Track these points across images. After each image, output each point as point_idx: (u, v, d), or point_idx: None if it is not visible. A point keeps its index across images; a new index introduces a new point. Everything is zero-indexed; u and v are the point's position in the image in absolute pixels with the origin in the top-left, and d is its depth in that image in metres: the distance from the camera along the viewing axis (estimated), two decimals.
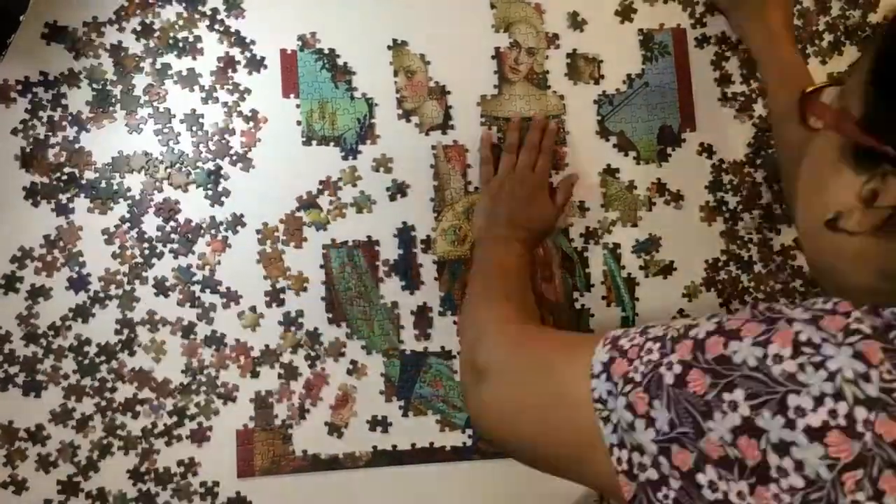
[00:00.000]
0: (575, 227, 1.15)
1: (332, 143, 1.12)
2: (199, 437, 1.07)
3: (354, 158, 1.12)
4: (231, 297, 1.08)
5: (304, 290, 1.09)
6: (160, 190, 1.08)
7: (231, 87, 1.10)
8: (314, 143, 1.12)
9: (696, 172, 1.17)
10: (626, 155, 1.16)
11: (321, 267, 1.11)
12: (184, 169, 1.09)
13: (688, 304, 1.15)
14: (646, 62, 1.17)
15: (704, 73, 1.18)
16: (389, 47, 1.14)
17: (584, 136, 1.16)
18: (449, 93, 1.15)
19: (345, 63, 1.13)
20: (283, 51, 1.12)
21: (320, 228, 1.11)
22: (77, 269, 1.06)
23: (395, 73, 1.14)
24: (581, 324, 1.14)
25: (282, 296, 1.09)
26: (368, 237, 1.11)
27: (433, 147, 1.14)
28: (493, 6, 1.16)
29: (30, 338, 1.05)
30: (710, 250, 1.17)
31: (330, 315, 1.10)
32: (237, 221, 1.09)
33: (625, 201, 1.16)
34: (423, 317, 1.12)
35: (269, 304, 1.09)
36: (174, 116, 1.09)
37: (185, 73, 1.10)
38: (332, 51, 1.13)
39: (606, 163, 1.16)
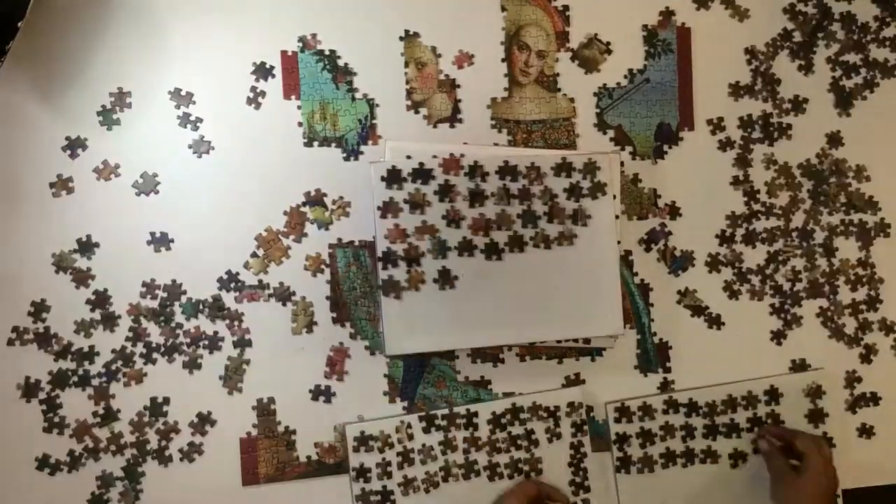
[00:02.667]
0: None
1: (333, 144, 1.11)
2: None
3: (356, 159, 1.11)
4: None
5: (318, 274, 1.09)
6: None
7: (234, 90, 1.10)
8: (315, 144, 1.11)
9: (692, 171, 1.17)
10: (623, 149, 1.16)
11: (326, 266, 1.09)
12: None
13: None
14: (648, 58, 1.17)
15: (707, 73, 1.18)
16: (401, 38, 1.13)
17: (585, 129, 1.16)
18: (458, 86, 1.14)
19: (346, 64, 1.12)
20: (283, 52, 1.10)
21: (322, 227, 1.10)
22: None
23: (406, 64, 1.13)
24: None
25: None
26: (374, 237, 1.10)
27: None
28: (503, 9, 1.15)
29: None
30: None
31: (334, 315, 1.09)
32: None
33: (630, 194, 1.15)
34: None
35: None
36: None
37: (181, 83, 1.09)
38: (332, 52, 1.11)
39: None
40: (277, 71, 1.10)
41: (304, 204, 1.09)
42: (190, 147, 1.08)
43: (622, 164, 1.15)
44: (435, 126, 1.13)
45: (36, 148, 1.06)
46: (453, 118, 1.13)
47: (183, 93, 1.08)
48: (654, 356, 1.14)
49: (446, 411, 1.09)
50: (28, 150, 1.06)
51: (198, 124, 1.09)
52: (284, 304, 1.08)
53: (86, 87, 1.07)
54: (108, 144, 1.07)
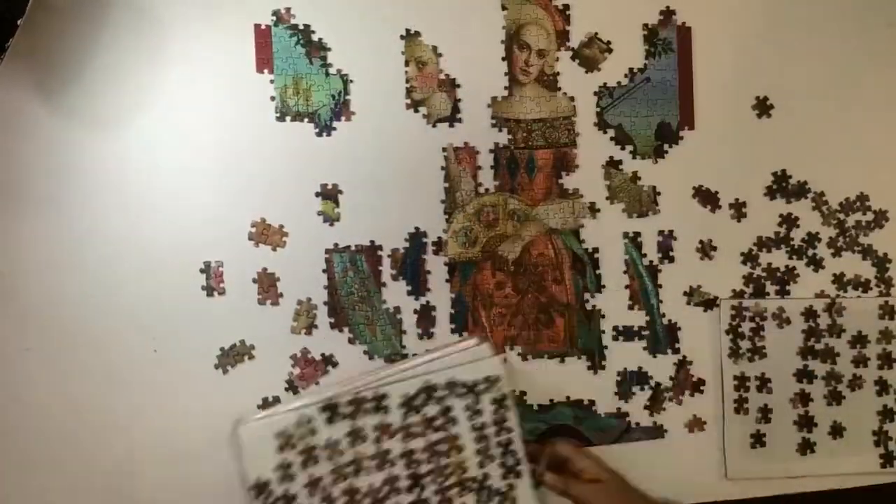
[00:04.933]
0: (586, 229, 1.14)
1: (305, 120, 1.10)
2: None
3: (329, 135, 1.11)
4: None
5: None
6: None
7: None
8: (288, 118, 1.10)
9: (690, 170, 1.17)
10: (623, 148, 1.16)
11: (323, 271, 1.10)
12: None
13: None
14: (649, 57, 1.16)
15: (707, 73, 1.17)
16: (402, 37, 1.12)
17: (584, 129, 1.15)
18: (459, 86, 1.13)
19: (320, 39, 1.10)
20: (257, 26, 1.09)
21: (327, 221, 1.10)
22: None
23: (406, 63, 1.12)
24: (592, 325, 1.13)
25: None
26: (371, 241, 1.10)
27: (444, 149, 1.12)
28: (504, 8, 1.14)
29: None
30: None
31: (332, 320, 1.09)
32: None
33: (629, 192, 1.15)
34: (426, 320, 1.11)
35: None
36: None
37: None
38: (307, 27, 1.10)
39: (609, 155, 1.15)
40: (251, 44, 1.09)
41: (316, 194, 1.10)
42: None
43: (620, 162, 1.15)
44: (434, 125, 1.13)
45: (36, 146, 1.06)
46: (453, 117, 1.13)
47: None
48: (663, 337, 1.14)
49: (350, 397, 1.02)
50: (28, 148, 1.06)
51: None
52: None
53: (86, 85, 1.07)
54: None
